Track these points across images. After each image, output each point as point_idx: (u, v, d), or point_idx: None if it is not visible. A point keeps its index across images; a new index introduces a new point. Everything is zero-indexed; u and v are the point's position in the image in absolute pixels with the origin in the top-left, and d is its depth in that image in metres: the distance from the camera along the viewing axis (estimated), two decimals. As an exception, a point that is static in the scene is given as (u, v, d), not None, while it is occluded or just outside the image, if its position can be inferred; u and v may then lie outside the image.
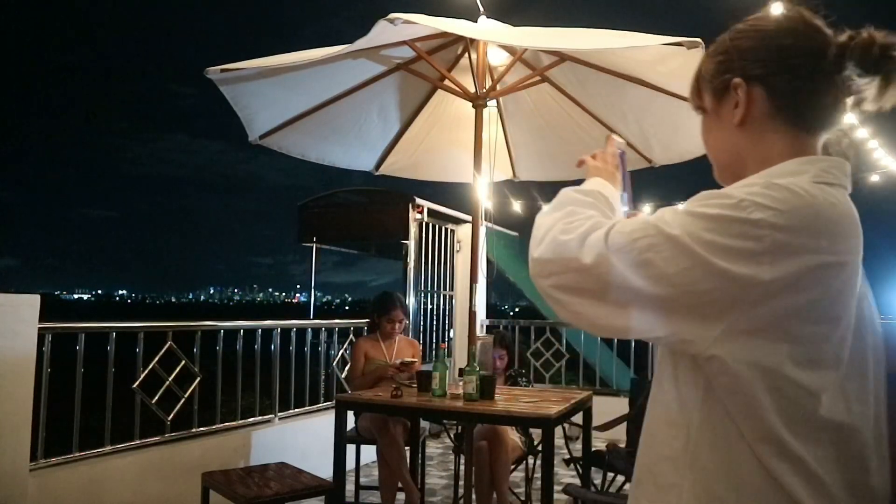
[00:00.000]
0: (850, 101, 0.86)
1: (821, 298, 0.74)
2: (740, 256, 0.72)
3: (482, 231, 3.48)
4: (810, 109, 0.86)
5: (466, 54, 3.48)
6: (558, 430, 2.95)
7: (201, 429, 4.03)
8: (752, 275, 0.71)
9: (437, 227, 6.53)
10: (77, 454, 3.32)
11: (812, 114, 0.86)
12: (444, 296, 6.82)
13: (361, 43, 2.71)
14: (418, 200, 6.10)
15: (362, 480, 4.08)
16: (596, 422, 3.45)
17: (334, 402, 3.62)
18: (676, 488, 0.80)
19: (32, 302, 3.08)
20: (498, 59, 3.58)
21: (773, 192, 0.75)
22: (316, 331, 5.28)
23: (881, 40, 0.81)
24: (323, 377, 5.25)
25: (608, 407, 4.01)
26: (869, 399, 0.79)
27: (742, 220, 0.73)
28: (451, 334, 6.87)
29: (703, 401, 0.78)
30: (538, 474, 3.34)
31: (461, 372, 3.09)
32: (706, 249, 0.73)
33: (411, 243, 6.08)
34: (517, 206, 7.88)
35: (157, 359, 3.75)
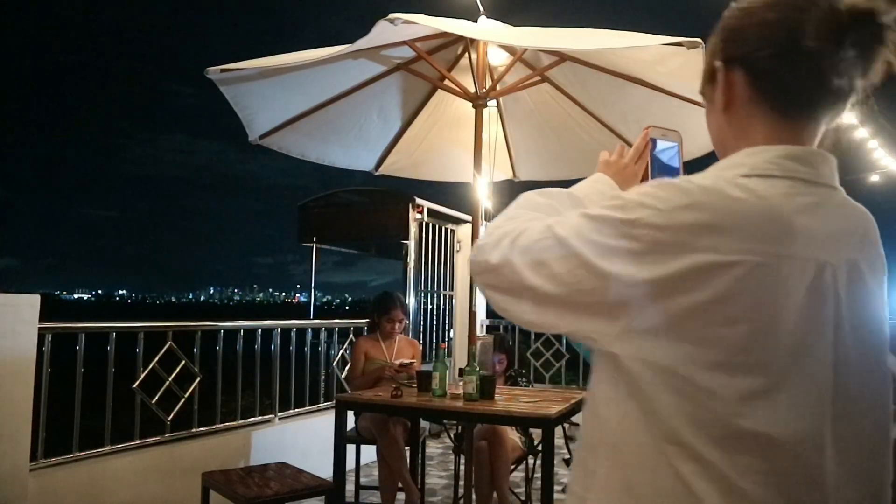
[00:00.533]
0: (845, 78, 0.78)
1: (720, 299, 0.70)
2: (619, 256, 0.73)
3: (482, 231, 3.48)
4: (791, 91, 0.79)
5: (466, 54, 3.48)
6: (558, 430, 2.95)
7: (201, 429, 4.03)
8: (633, 274, 0.72)
9: (437, 227, 6.54)
10: (77, 454, 3.32)
11: (794, 96, 0.80)
12: (444, 296, 6.83)
13: (361, 43, 2.71)
14: (418, 200, 6.10)
15: (362, 480, 4.08)
16: (596, 422, 3.45)
17: (334, 402, 3.62)
18: (595, 476, 0.80)
19: (32, 302, 3.08)
20: (498, 59, 3.59)
21: (660, 190, 0.74)
22: (316, 331, 5.28)
23: (847, 5, 0.75)
24: (323, 377, 5.25)
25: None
26: (820, 415, 0.73)
27: (622, 220, 0.74)
28: (451, 334, 6.87)
29: (627, 397, 0.76)
30: (538, 474, 3.34)
31: (461, 372, 3.09)
32: (589, 249, 0.75)
33: (411, 243, 6.08)
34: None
35: (157, 359, 3.75)
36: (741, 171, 0.77)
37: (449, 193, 5.81)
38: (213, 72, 3.04)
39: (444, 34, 3.19)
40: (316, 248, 6.98)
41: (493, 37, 3.13)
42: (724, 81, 0.83)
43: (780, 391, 0.71)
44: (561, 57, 3.44)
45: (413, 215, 6.07)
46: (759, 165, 0.77)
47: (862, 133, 8.04)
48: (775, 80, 0.79)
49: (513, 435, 3.60)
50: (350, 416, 3.62)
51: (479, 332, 6.24)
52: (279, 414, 4.64)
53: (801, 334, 0.72)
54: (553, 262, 0.77)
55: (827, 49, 0.76)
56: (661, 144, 1.01)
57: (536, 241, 0.79)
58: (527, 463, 3.74)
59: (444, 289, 6.79)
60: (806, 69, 0.77)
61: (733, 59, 0.82)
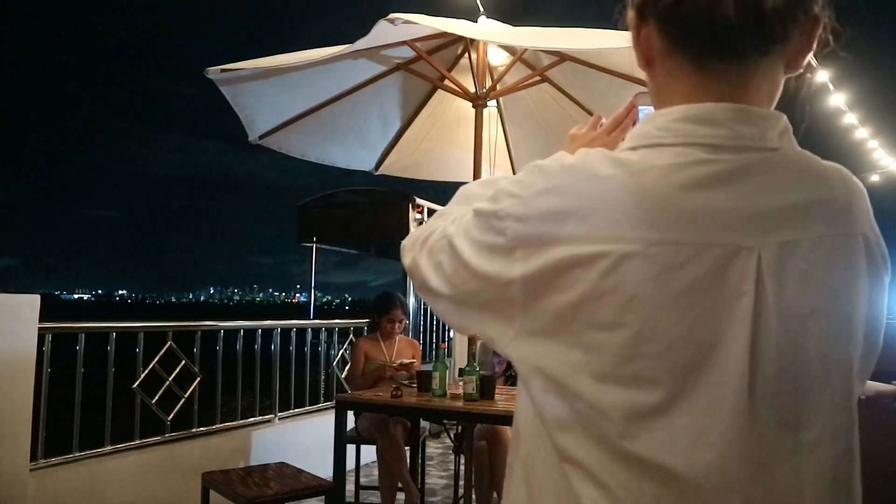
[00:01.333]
0: (738, 11, 0.61)
1: (590, 299, 0.59)
2: (490, 252, 0.65)
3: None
4: (697, 33, 0.63)
5: (466, 54, 3.48)
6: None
7: (201, 429, 4.02)
8: (502, 272, 0.64)
9: (437, 227, 6.54)
10: (77, 454, 3.31)
11: (701, 39, 0.63)
12: (444, 296, 6.82)
13: (361, 43, 2.71)
14: (418, 200, 6.10)
15: (362, 480, 4.08)
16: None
17: (334, 402, 3.62)
18: (507, 497, 0.72)
19: (32, 302, 3.07)
20: (498, 59, 3.59)
21: (526, 175, 0.65)
22: (316, 331, 5.28)
23: None
24: (323, 377, 5.25)
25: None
26: (730, 446, 0.58)
27: (491, 212, 0.65)
28: (451, 334, 6.86)
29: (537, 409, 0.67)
30: (538, 474, 3.33)
31: (461, 372, 3.09)
32: (469, 248, 0.67)
33: (411, 243, 6.08)
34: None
35: (157, 359, 3.75)
36: (630, 143, 0.65)
37: (449, 193, 5.81)
38: (213, 72, 3.04)
39: (444, 34, 3.19)
40: (316, 248, 6.98)
41: (493, 37, 3.13)
42: (637, 33, 0.69)
43: (674, 411, 0.58)
44: (561, 57, 3.44)
45: (413, 215, 6.08)
46: (649, 133, 0.65)
47: (862, 133, 8.04)
48: (678, 20, 0.64)
49: (513, 435, 3.60)
50: (350, 416, 3.62)
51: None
52: (279, 414, 4.64)
53: (701, 341, 0.58)
54: (445, 262, 0.70)
55: None
56: (646, 111, 0.85)
57: (437, 240, 0.73)
58: (527, 463, 3.74)
59: (444, 289, 6.79)
60: (695, 2, 0.62)
61: (643, 6, 0.67)
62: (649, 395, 0.59)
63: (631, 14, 0.69)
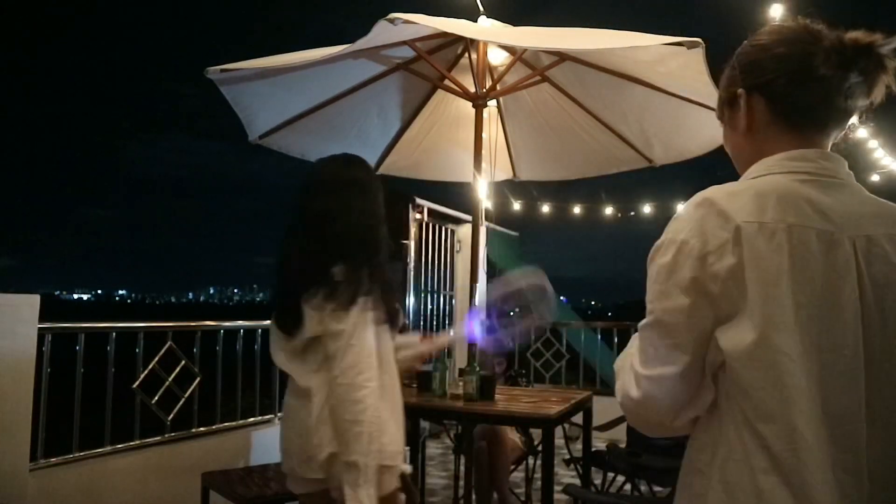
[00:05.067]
0: (850, 99, 0.95)
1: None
2: None
3: (482, 231, 3.48)
4: (804, 111, 0.96)
5: (466, 54, 3.48)
6: (558, 431, 2.95)
7: (201, 429, 4.02)
8: None
9: (437, 227, 6.53)
10: (77, 454, 3.31)
11: (807, 115, 0.96)
12: (444, 296, 6.82)
13: (361, 43, 2.71)
14: (418, 200, 6.10)
15: (362, 480, 4.07)
16: (596, 422, 3.44)
17: (334, 402, 3.60)
18: (710, 499, 0.93)
19: (32, 302, 3.07)
20: (498, 58, 3.58)
21: None
22: (316, 331, 5.27)
23: (851, 39, 0.92)
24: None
25: (608, 407, 3.96)
26: (856, 385, 0.88)
27: None
28: (451, 334, 6.85)
29: None
30: (538, 474, 3.33)
31: (461, 372, 3.09)
32: None
33: (411, 243, 6.08)
34: (517, 206, 7.86)
35: (157, 359, 3.74)
36: (749, 175, 0.97)
37: (449, 193, 5.81)
38: (213, 72, 3.04)
39: (444, 34, 3.18)
40: (316, 247, 6.96)
41: (493, 37, 3.13)
42: (746, 106, 0.99)
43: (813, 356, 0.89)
44: (561, 57, 3.44)
45: (413, 215, 6.07)
46: (760, 170, 0.96)
47: (862, 133, 8.04)
48: (791, 102, 0.96)
49: (513, 435, 3.60)
50: (350, 416, 3.61)
51: (479, 332, 6.23)
52: (279, 414, 4.63)
53: (826, 299, 0.87)
54: None
55: (837, 75, 0.92)
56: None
57: None
58: (527, 463, 3.74)
59: (444, 289, 6.78)
60: (817, 92, 0.94)
61: (753, 87, 0.98)
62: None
63: (739, 90, 0.99)
